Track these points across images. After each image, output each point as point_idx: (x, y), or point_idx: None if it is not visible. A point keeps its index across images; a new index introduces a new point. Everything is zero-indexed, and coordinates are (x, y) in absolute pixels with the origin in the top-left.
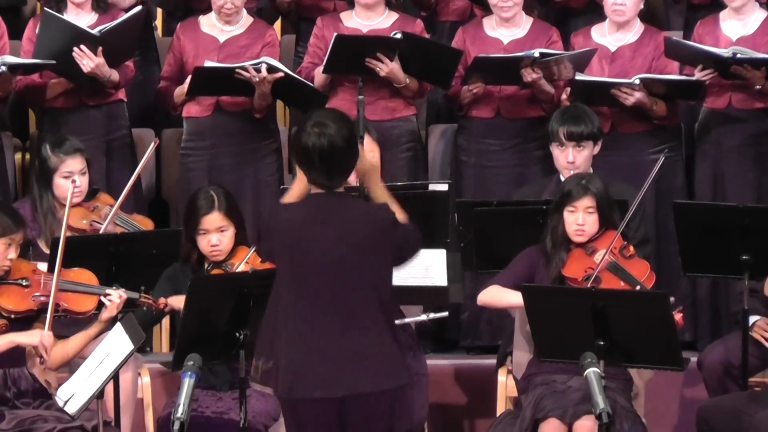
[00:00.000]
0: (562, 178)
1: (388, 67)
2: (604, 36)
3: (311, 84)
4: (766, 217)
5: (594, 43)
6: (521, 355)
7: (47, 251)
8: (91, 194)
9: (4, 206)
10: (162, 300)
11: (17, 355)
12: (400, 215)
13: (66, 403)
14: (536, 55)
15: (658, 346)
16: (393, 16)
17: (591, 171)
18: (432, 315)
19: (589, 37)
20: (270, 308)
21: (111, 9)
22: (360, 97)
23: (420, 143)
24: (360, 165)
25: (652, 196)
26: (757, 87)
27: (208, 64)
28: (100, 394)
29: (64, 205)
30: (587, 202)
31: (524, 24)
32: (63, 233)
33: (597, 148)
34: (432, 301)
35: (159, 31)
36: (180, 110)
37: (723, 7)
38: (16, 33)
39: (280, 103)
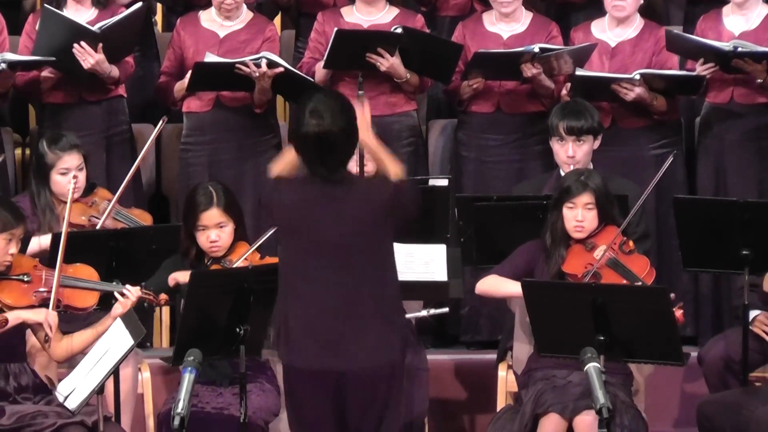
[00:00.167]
0: (562, 173)
1: (389, 62)
2: (604, 31)
3: (311, 79)
4: (767, 212)
5: (594, 39)
6: (521, 350)
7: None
8: (89, 189)
9: (3, 201)
10: (163, 296)
11: (18, 350)
12: (396, 168)
13: (66, 398)
14: (536, 50)
15: (659, 341)
16: (393, 11)
17: (591, 166)
18: (432, 310)
19: (589, 32)
20: (281, 279)
21: (111, 5)
22: (360, 92)
23: (420, 138)
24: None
25: (652, 191)
26: (759, 81)
27: (209, 56)
28: (100, 390)
29: (62, 202)
30: (586, 198)
31: (524, 19)
32: (64, 229)
33: (597, 143)
34: (432, 296)
35: (159, 27)
36: (180, 105)
37: (722, 1)
38: (15, 28)
39: (280, 98)
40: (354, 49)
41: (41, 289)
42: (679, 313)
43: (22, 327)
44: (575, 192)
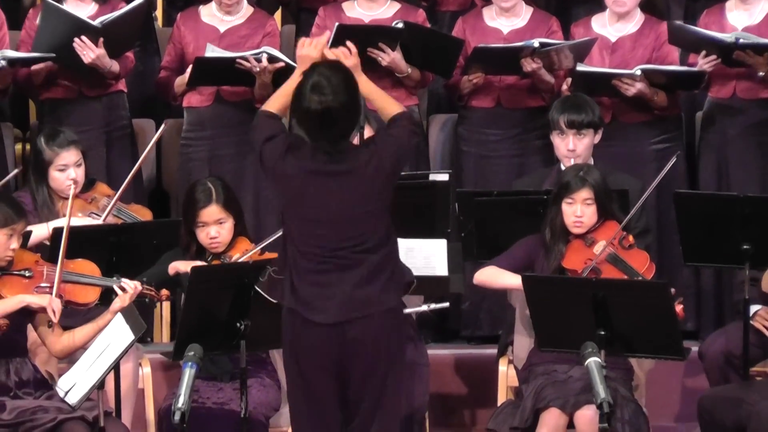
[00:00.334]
0: (563, 168)
1: (390, 57)
2: (604, 26)
3: None
4: (767, 207)
5: (594, 34)
6: (522, 345)
7: (47, 242)
8: (88, 185)
9: (4, 197)
10: (164, 291)
11: (20, 345)
12: (394, 106)
13: (67, 393)
14: (536, 44)
15: (659, 336)
16: (395, 6)
17: (591, 161)
18: (433, 305)
19: (590, 27)
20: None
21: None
22: None
23: (421, 133)
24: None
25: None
26: (761, 74)
27: (210, 48)
28: (100, 385)
29: (61, 198)
30: (585, 193)
31: (524, 14)
32: (66, 225)
33: (597, 137)
34: (433, 291)
35: (159, 22)
36: (180, 100)
37: None
38: (15, 23)
39: None
40: (355, 44)
41: (43, 285)
42: (679, 307)
43: (24, 322)
44: (574, 187)
